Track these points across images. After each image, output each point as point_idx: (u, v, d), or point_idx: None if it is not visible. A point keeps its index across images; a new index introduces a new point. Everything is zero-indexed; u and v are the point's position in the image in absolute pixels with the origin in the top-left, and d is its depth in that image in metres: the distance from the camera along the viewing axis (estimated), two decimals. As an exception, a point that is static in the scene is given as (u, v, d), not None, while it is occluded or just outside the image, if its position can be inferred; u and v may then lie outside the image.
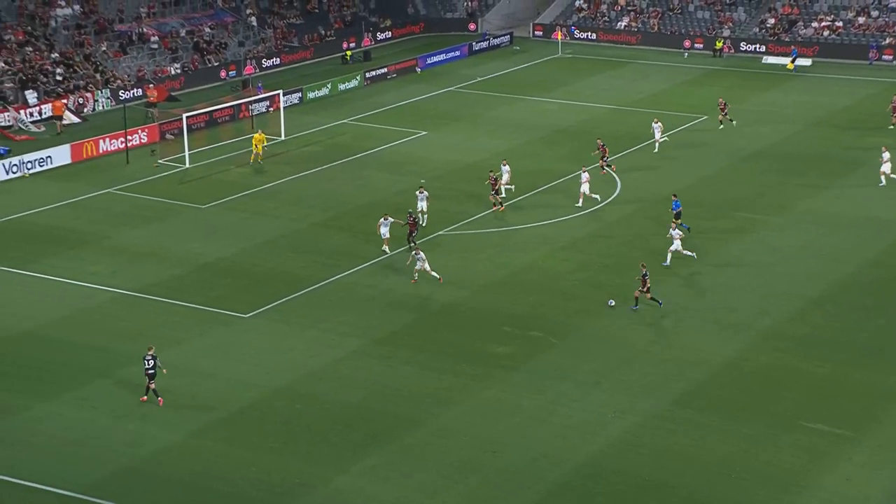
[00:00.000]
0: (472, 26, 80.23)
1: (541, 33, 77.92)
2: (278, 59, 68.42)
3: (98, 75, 58.99)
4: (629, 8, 77.99)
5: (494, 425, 27.77)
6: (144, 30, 64.39)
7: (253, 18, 71.11)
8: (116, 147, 50.50)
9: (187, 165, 48.50)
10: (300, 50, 70.27)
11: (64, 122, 54.13)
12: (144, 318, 33.45)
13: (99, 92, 57.94)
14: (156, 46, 63.95)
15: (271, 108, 57.29)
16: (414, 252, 35.64)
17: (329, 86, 62.04)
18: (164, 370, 28.87)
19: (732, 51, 72.21)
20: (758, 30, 73.74)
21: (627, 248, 39.21)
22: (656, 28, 75.98)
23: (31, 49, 58.51)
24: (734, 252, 38.98)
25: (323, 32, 73.54)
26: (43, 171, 47.65)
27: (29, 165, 47.34)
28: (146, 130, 52.23)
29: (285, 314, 33.86)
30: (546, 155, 50.06)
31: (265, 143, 48.71)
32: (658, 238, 39.85)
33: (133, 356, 30.75)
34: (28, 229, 40.94)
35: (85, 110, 56.90)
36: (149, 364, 28.59)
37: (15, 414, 28.06)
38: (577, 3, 79.45)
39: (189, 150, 48.94)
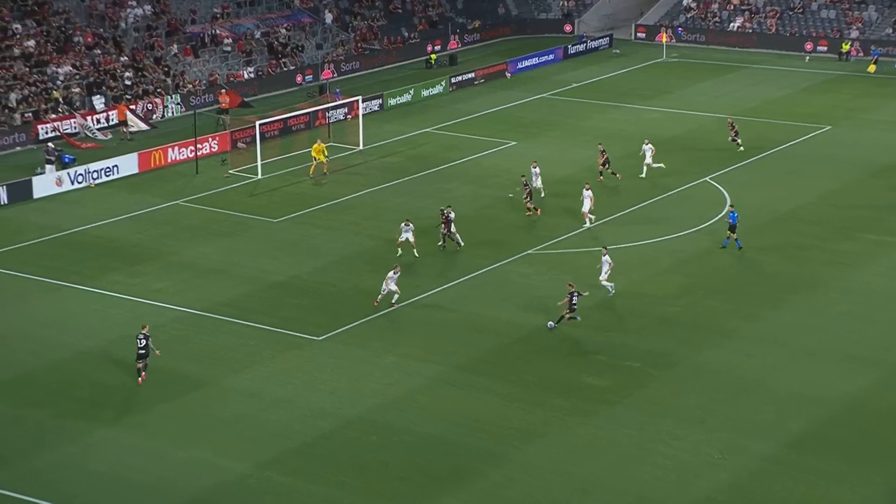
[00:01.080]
0: (567, 28, 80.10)
1: (643, 35, 77.35)
2: (358, 63, 69.20)
3: (168, 80, 60.44)
4: (743, 7, 76.96)
5: (586, 463, 27.47)
6: (218, 31, 65.80)
7: (330, 18, 72.06)
8: (186, 156, 51.57)
9: (259, 176, 49.27)
10: (381, 53, 70.96)
11: (131, 128, 55.49)
12: (211, 340, 33.97)
13: (168, 97, 59.33)
14: (229, 49, 65.26)
15: (349, 116, 57.85)
16: (394, 271, 35.56)
17: (412, 92, 62.46)
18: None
19: (861, 54, 70.67)
20: (891, 31, 72.05)
21: (736, 270, 38.54)
22: (774, 29, 74.85)
23: (99, 52, 60.24)
24: (861, 278, 38.01)
25: (406, 34, 74.17)
26: (109, 180, 48.90)
27: (94, 175, 48.66)
28: (217, 139, 53.24)
29: (361, 337, 34.04)
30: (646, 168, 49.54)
31: (327, 154, 49.16)
32: (771, 259, 39.11)
33: (199, 380, 31.24)
34: (92, 242, 42.02)
35: (154, 116, 58.28)
36: (141, 343, 30.91)
37: (73, 439, 28.69)
38: (684, 3, 78.72)
39: (261, 160, 49.73)
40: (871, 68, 66.44)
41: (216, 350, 33.32)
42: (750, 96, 61.60)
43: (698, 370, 31.95)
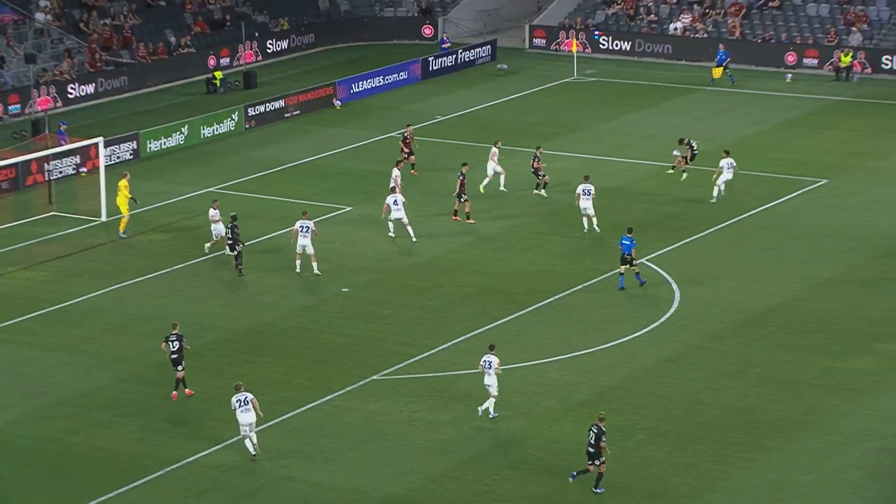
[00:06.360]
0: (427, 31, 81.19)
1: (543, 42, 78.90)
2: (96, 85, 68.86)
3: None
4: (692, 0, 79.00)
5: None
6: None
7: (47, 12, 71.44)
8: None
9: (-65, 267, 48.47)
10: (135, 70, 70.70)
11: None
12: None
13: None
14: None
15: (83, 170, 57.31)
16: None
17: (185, 130, 62.36)
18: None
19: (869, 70, 73.00)
20: (909, 35, 74.74)
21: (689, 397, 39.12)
22: (738, 33, 76.84)
23: None
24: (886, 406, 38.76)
25: (174, 40, 74.12)
26: None
27: None
28: None
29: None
30: (553, 250, 50.02)
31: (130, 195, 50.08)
32: (745, 386, 39.73)
33: None
34: None
35: None
36: (174, 347, 37.95)
37: None
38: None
39: (-62, 241, 48.94)
40: (717, 72, 70.36)
41: None
42: (702, 133, 62.21)
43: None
